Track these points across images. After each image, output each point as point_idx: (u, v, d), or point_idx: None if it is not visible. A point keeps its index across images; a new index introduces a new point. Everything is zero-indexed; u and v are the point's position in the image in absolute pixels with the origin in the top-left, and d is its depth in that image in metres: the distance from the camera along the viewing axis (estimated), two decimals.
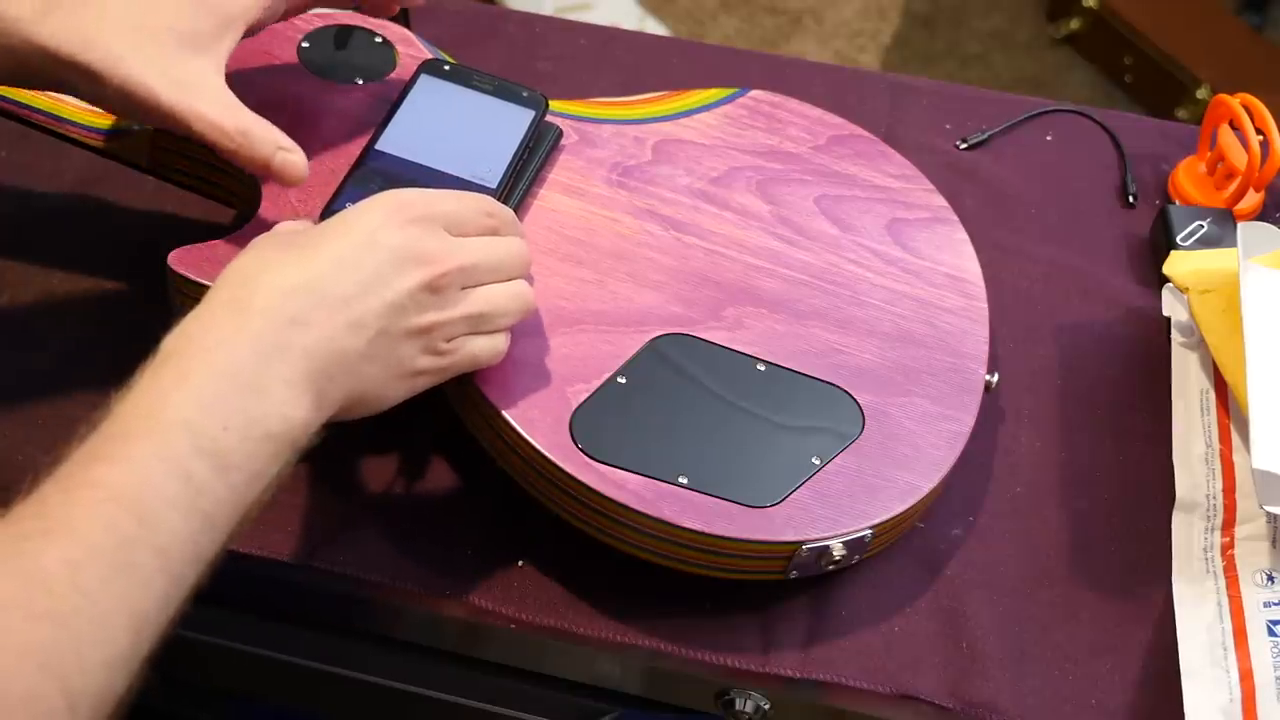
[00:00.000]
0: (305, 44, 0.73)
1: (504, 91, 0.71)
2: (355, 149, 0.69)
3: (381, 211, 0.55)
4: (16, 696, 0.40)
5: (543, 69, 0.91)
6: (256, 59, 0.72)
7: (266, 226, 0.64)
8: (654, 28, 1.99)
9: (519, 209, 0.68)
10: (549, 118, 0.72)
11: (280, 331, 0.51)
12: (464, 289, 0.56)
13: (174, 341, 0.51)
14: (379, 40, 0.75)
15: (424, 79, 0.71)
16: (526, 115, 0.70)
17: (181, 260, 0.62)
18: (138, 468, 0.46)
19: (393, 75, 0.73)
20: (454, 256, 0.55)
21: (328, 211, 0.63)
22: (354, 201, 0.59)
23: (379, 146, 0.67)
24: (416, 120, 0.69)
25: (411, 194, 0.57)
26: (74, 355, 0.72)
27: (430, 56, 0.73)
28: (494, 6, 1.04)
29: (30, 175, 0.81)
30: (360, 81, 0.72)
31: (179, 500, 0.46)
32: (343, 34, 0.74)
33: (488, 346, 0.58)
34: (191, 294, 0.62)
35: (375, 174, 0.66)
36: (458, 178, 0.67)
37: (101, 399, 0.70)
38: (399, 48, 0.75)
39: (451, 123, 0.69)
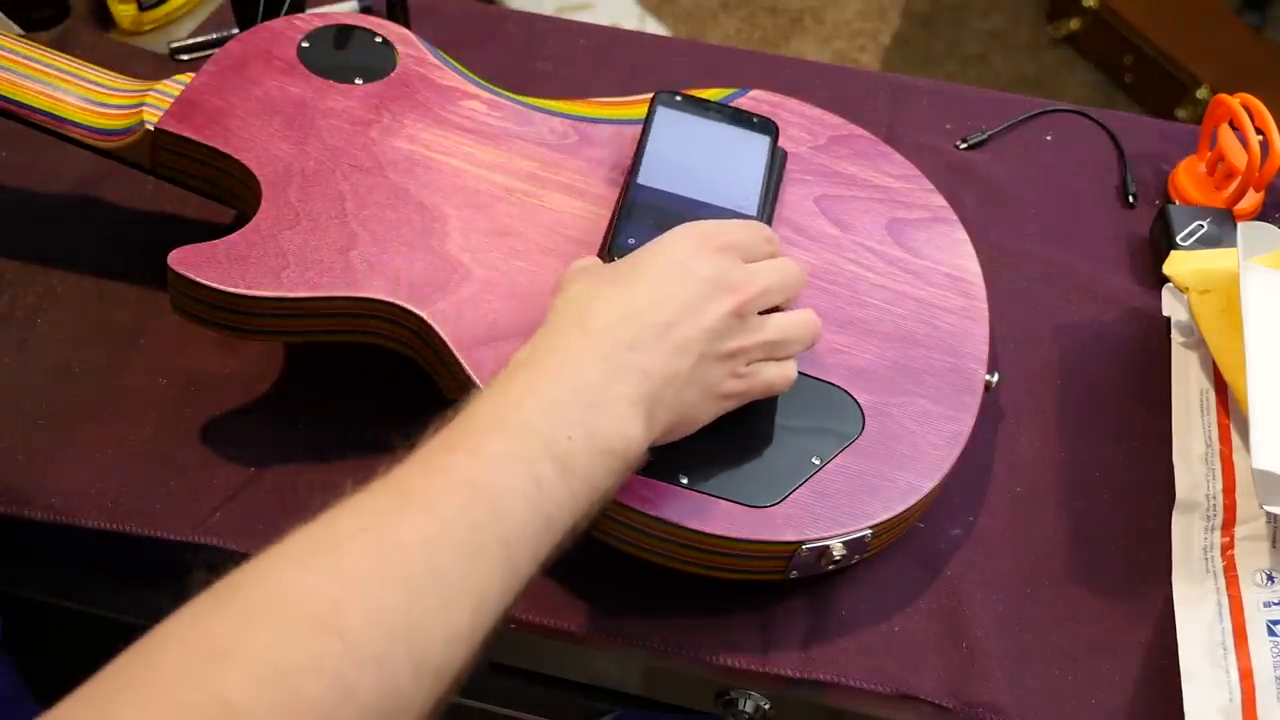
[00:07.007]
0: (305, 44, 0.73)
1: (737, 119, 0.73)
2: (355, 149, 0.69)
3: (690, 243, 0.58)
4: (368, 657, 0.41)
5: (543, 69, 0.91)
6: (256, 59, 0.72)
7: (267, 227, 0.64)
8: (654, 28, 1.99)
9: None
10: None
11: (621, 353, 0.54)
12: (760, 314, 0.59)
13: (523, 355, 0.54)
14: (379, 40, 0.75)
15: (661, 111, 0.73)
16: (763, 141, 0.72)
17: (181, 260, 0.62)
18: (494, 461, 0.49)
19: (392, 75, 0.73)
20: (754, 282, 0.58)
21: (613, 247, 0.64)
22: (636, 235, 0.64)
23: (640, 181, 0.68)
24: (666, 152, 0.70)
25: (711, 225, 0.60)
26: (75, 355, 0.72)
27: (662, 90, 0.74)
28: (494, 6, 1.04)
29: (30, 175, 0.81)
30: (360, 81, 0.72)
31: (527, 497, 0.48)
32: (343, 34, 0.74)
33: (779, 372, 0.60)
34: (192, 294, 0.62)
35: (645, 208, 0.67)
36: (721, 207, 0.68)
37: (102, 399, 0.70)
38: (399, 48, 0.75)
39: (699, 153, 0.71)
